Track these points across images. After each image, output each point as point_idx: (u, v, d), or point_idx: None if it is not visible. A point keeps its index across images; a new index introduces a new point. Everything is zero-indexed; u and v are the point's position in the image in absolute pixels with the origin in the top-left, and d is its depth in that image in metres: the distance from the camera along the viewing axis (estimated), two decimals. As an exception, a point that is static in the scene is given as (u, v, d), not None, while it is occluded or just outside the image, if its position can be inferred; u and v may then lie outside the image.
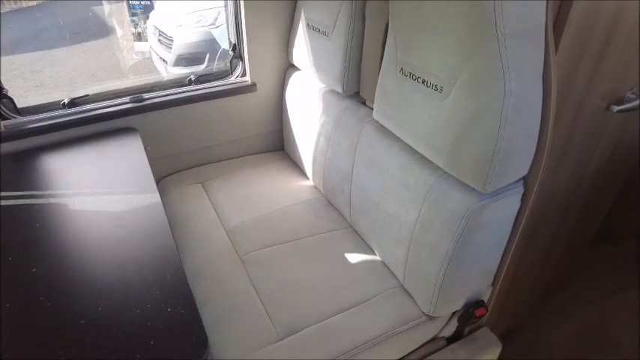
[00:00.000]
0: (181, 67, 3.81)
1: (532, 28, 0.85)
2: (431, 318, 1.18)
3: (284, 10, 1.62)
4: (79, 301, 0.87)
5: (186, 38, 3.84)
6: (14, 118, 1.44)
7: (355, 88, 1.38)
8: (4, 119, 1.41)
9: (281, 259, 1.33)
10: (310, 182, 1.70)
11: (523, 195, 1.03)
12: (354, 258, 1.33)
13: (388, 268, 1.29)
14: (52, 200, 1.16)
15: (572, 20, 0.91)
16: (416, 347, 1.21)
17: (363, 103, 1.39)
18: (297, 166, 1.80)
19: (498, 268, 1.18)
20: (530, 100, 0.90)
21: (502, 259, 1.15)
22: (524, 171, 0.99)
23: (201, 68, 3.74)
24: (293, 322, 1.14)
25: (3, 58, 1.36)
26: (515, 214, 1.06)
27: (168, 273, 0.92)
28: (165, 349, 0.77)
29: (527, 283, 1.49)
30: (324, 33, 1.39)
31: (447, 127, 0.96)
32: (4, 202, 1.15)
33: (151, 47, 4.23)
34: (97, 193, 1.17)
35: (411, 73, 1.04)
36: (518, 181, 1.02)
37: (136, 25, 4.79)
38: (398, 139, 1.16)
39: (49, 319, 0.84)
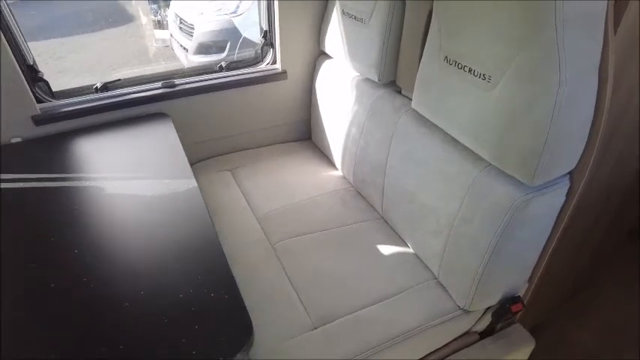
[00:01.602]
0: (202, 55, 3.80)
1: (590, 15, 0.82)
2: (466, 312, 1.16)
3: None
4: (121, 284, 0.88)
5: (207, 26, 3.82)
6: (49, 101, 1.45)
7: (391, 76, 1.36)
8: (40, 102, 1.42)
9: (312, 248, 1.32)
10: (338, 172, 1.68)
11: (569, 190, 1.00)
12: (386, 249, 1.32)
13: (421, 260, 1.27)
14: (89, 183, 1.16)
15: (629, 12, 0.88)
16: (449, 341, 1.20)
17: (399, 92, 1.36)
18: (324, 156, 1.79)
19: (536, 264, 1.15)
20: (584, 91, 0.87)
21: (541, 254, 1.13)
22: (573, 164, 0.96)
23: (222, 56, 3.73)
24: (326, 312, 1.13)
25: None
26: (559, 210, 1.03)
27: (209, 258, 0.92)
28: (210, 334, 0.77)
29: (558, 280, 1.46)
30: (361, 20, 1.37)
31: (494, 118, 0.94)
32: (41, 184, 1.16)
33: (171, 35, 4.22)
34: (134, 178, 1.18)
35: (456, 62, 1.01)
36: (564, 175, 0.99)
37: (156, 13, 4.80)
38: (438, 129, 1.14)
39: (93, 300, 0.84)
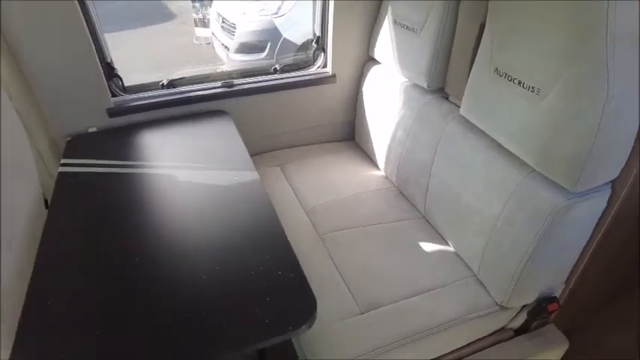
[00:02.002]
0: (243, 55, 3.93)
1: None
2: (502, 308, 1.24)
3: (370, 7, 1.69)
4: (197, 260, 1.00)
5: (249, 26, 3.92)
6: (122, 95, 1.59)
7: (440, 83, 1.44)
8: (114, 96, 1.57)
9: (358, 241, 1.42)
10: (381, 172, 1.77)
11: (610, 197, 1.06)
12: (427, 247, 1.40)
13: (462, 258, 1.35)
14: (161, 171, 1.29)
15: None
16: (485, 335, 1.28)
17: (446, 98, 1.44)
18: (367, 156, 1.88)
19: (574, 266, 1.21)
20: (630, 104, 0.93)
21: (579, 257, 1.19)
22: (616, 173, 1.02)
23: (261, 56, 3.86)
24: (372, 300, 1.22)
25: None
26: (599, 215, 1.09)
27: (274, 241, 1.03)
28: (279, 306, 0.88)
29: (595, 285, 1.50)
30: (413, 30, 1.45)
31: (541, 127, 1.01)
32: (123, 170, 1.29)
33: (213, 33, 4.36)
34: (203, 168, 1.30)
35: (506, 74, 1.09)
36: (606, 183, 1.05)
37: (197, 11, 4.97)
38: (484, 135, 1.22)
39: (174, 273, 0.96)
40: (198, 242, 1.05)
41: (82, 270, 0.98)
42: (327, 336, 1.15)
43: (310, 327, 0.86)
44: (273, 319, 0.85)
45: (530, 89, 1.02)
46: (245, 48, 3.95)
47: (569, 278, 1.24)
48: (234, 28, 3.97)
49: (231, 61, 3.95)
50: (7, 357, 0.78)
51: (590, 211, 1.06)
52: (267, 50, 3.88)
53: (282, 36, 3.81)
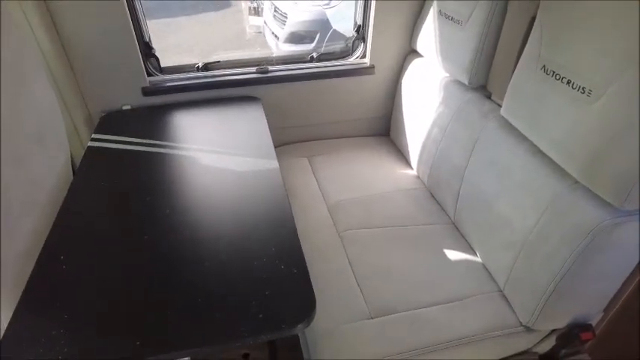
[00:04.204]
0: (292, 44, 3.92)
1: None
2: (528, 330, 1.13)
3: None
4: (203, 245, 0.98)
5: (299, 16, 3.92)
6: (157, 75, 1.61)
7: (482, 80, 1.33)
8: (150, 76, 1.58)
9: (378, 241, 1.35)
10: (413, 172, 1.68)
11: None
12: (453, 255, 1.31)
13: (488, 271, 1.25)
14: (186, 153, 1.29)
15: None
16: (506, 356, 1.17)
17: (489, 97, 1.33)
18: (401, 154, 1.80)
19: (616, 295, 1.08)
20: (698, 115, 0.80)
21: (623, 285, 1.05)
22: (674, 193, 0.89)
23: (310, 47, 3.82)
24: (385, 304, 1.16)
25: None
26: (650, 240, 0.96)
27: (283, 234, 0.99)
28: (277, 301, 0.83)
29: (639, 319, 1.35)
30: (458, 22, 1.35)
31: (591, 134, 0.89)
32: (146, 149, 1.30)
33: (265, 22, 4.39)
34: (225, 153, 1.28)
35: (554, 72, 0.98)
36: None
37: (252, 0, 5.02)
38: (525, 139, 1.11)
39: (178, 255, 0.95)
40: (208, 227, 1.03)
41: (89, 242, 0.99)
42: (333, 337, 1.10)
43: (307, 327, 0.82)
44: (268, 314, 0.81)
45: (581, 90, 0.91)
46: (295, 38, 3.95)
47: (608, 307, 1.11)
48: (286, 17, 3.97)
49: (279, 50, 3.96)
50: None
51: (638, 233, 0.93)
52: (316, 41, 3.84)
53: (332, 27, 3.76)
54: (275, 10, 4.10)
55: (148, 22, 1.55)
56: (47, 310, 0.82)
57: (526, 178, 1.08)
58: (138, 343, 0.77)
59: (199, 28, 5.26)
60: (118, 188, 1.17)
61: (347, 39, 1.88)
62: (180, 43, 4.67)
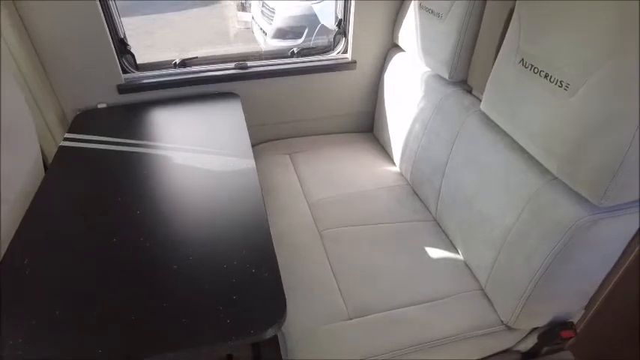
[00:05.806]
0: (280, 40, 3.88)
1: None
2: (509, 328, 1.11)
3: None
4: (173, 247, 0.94)
5: (287, 11, 3.88)
6: (133, 72, 1.57)
7: (463, 75, 1.30)
8: (125, 73, 1.54)
9: (359, 240, 1.32)
10: (396, 168, 1.66)
11: None
12: (434, 253, 1.29)
13: (470, 269, 1.23)
14: (159, 152, 1.25)
15: None
16: (487, 355, 1.16)
17: (469, 91, 1.31)
18: (384, 151, 1.77)
19: (597, 292, 1.07)
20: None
21: (603, 282, 1.04)
22: (652, 190, 0.87)
23: (298, 42, 3.79)
24: (364, 305, 1.13)
25: (122, 19, 1.48)
26: (630, 236, 0.94)
27: (256, 236, 0.96)
28: (246, 307, 0.81)
29: (621, 316, 1.34)
30: (438, 15, 1.32)
31: (568, 129, 0.87)
32: (120, 148, 1.26)
33: (253, 18, 4.35)
34: (200, 151, 1.24)
35: (532, 65, 0.95)
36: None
37: (241, -5, 4.96)
38: (505, 135, 1.08)
39: (147, 258, 0.91)
40: (179, 229, 1.00)
41: (54, 244, 0.96)
42: (310, 339, 1.07)
43: (277, 331, 0.79)
44: (235, 319, 0.78)
45: (558, 83, 0.89)
46: (282, 33, 3.91)
47: (589, 305, 1.09)
48: (273, 12, 3.94)
49: (267, 46, 3.93)
50: None
51: (617, 230, 0.92)
52: (304, 36, 3.81)
53: (320, 22, 3.73)
54: (263, 6, 4.06)
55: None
56: (6, 317, 0.79)
57: (505, 175, 1.06)
58: (100, 351, 0.74)
59: (186, 24, 5.20)
60: (89, 188, 1.13)
61: (322, 35, 1.85)
62: (167, 39, 4.62)
